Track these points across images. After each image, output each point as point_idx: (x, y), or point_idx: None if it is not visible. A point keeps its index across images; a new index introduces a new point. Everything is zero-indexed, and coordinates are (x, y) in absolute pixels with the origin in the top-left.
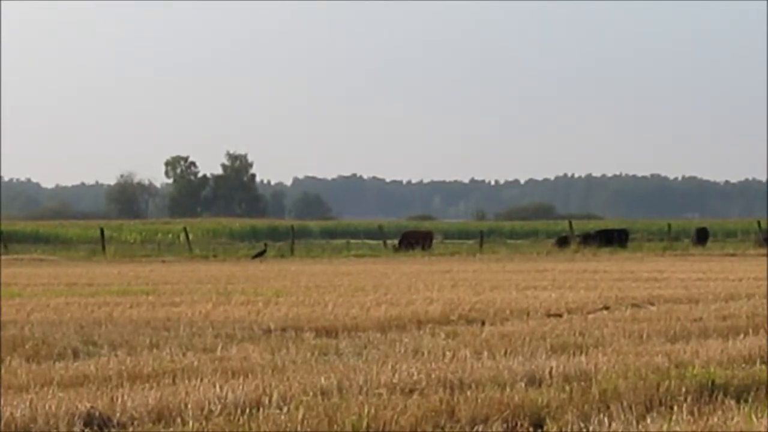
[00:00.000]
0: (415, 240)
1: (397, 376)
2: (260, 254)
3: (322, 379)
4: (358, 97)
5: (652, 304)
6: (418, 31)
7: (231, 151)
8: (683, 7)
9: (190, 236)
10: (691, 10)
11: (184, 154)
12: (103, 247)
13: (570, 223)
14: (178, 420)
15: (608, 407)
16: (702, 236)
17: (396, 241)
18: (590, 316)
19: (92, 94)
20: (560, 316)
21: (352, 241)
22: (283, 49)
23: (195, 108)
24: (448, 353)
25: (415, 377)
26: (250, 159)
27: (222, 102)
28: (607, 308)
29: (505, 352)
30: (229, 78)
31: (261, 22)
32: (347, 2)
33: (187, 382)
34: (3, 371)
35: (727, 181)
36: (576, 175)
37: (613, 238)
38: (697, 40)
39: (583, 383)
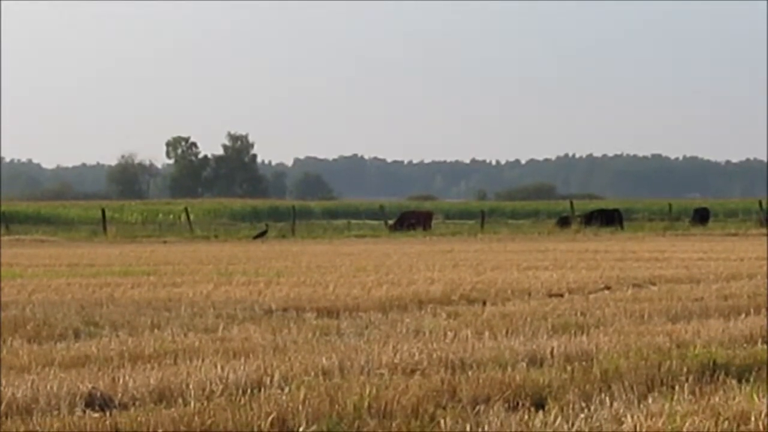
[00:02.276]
0: (414, 220)
1: (398, 356)
2: (261, 235)
3: (324, 360)
4: (359, 78)
5: (654, 284)
6: (419, 11)
7: (232, 132)
8: None
9: (191, 217)
10: None
11: (185, 135)
12: (104, 228)
13: (571, 203)
14: (180, 400)
15: (609, 387)
16: (703, 216)
17: (391, 221)
18: (591, 296)
19: (93, 75)
20: (561, 296)
21: (353, 221)
22: (284, 29)
23: (196, 88)
24: (449, 333)
25: (416, 357)
26: (251, 139)
27: (223, 83)
28: (608, 288)
29: (507, 332)
30: (230, 59)
31: (262, 5)
32: None
33: (188, 362)
34: (5, 352)
35: (728, 161)
36: (577, 155)
37: (613, 218)
38: (697, 19)
39: (584, 363)
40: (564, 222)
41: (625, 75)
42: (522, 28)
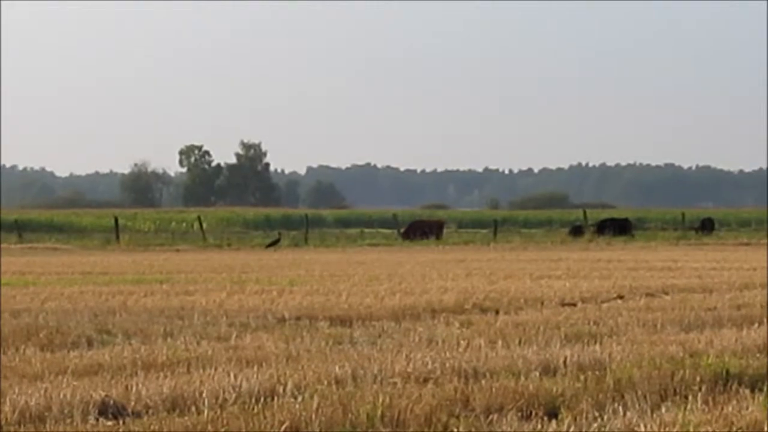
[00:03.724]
0: (425, 229)
1: (411, 365)
2: (274, 243)
3: (337, 368)
4: (372, 86)
5: (666, 294)
6: (431, 17)
7: (245, 140)
8: None
9: (204, 225)
10: None
11: (198, 143)
12: (117, 236)
13: (584, 212)
14: (193, 409)
15: (623, 396)
16: (705, 226)
17: (402, 230)
18: (604, 305)
19: (107, 84)
20: (574, 305)
21: (366, 230)
22: (297, 38)
23: (209, 97)
24: (462, 342)
25: (429, 366)
26: (263, 148)
27: (236, 91)
28: (621, 297)
29: (520, 342)
30: (244, 67)
31: (275, 11)
32: None
33: (201, 371)
34: (17, 360)
35: (741, 170)
36: (590, 164)
37: (624, 228)
38: (710, 29)
39: (597, 372)
40: (577, 231)
41: (638, 84)
42: (536, 36)
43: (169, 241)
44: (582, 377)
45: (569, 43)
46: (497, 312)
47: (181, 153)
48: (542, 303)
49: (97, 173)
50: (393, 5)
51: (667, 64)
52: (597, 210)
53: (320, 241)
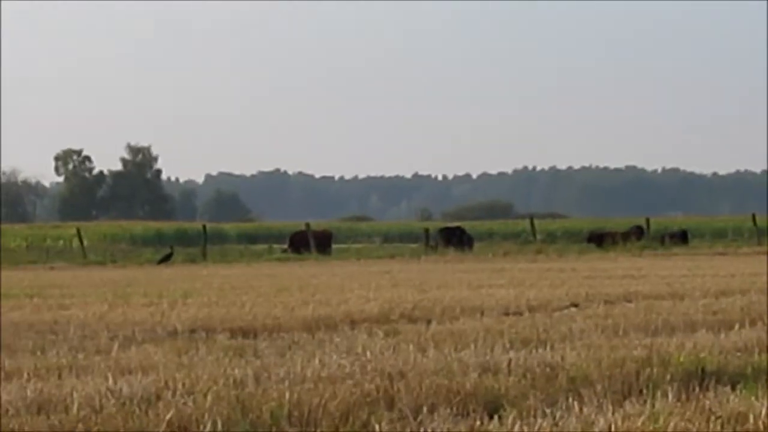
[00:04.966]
0: (306, 242)
1: (325, 369)
2: (166, 259)
3: (236, 371)
4: (280, 82)
5: (629, 301)
6: (346, 9)
7: (132, 143)
8: None
9: (85, 242)
10: None
11: (76, 147)
12: None
13: (531, 222)
14: (63, 412)
15: (579, 394)
16: (678, 239)
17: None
18: (556, 314)
19: None
20: (520, 314)
21: (276, 245)
22: (190, 29)
23: (90, 95)
24: (387, 350)
25: (347, 369)
26: (154, 152)
27: (122, 89)
28: (575, 305)
29: (456, 348)
30: (131, 62)
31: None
32: None
33: (75, 378)
34: None
35: (715, 173)
36: (538, 168)
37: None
38: (680, 20)
39: (548, 370)
40: (598, 240)
41: (591, 76)
42: (471, 27)
43: (42, 259)
44: (529, 376)
45: (512, 32)
46: (429, 322)
47: (57, 159)
48: (482, 312)
49: None
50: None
51: (627, 54)
52: (546, 220)
53: (221, 257)
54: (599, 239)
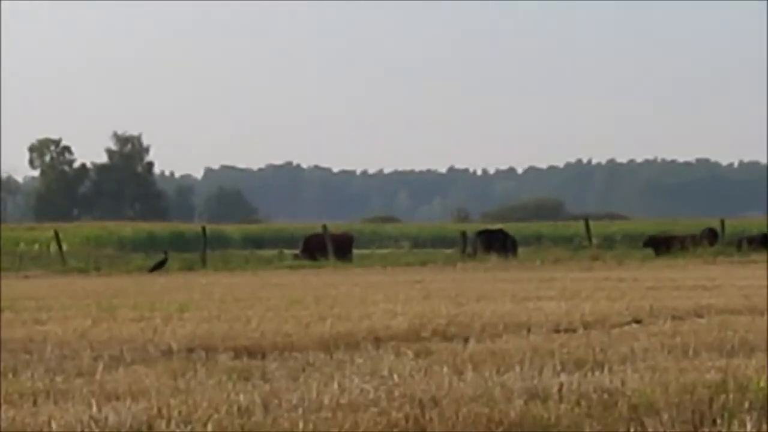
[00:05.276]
0: (322, 246)
1: (345, 395)
2: (159, 266)
3: (241, 396)
4: (291, 60)
5: (701, 316)
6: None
7: (119, 132)
8: None
9: (64, 246)
10: None
11: (54, 137)
12: None
13: (587, 225)
14: None
15: (642, 423)
16: (713, 238)
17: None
18: (615, 331)
19: None
20: (573, 331)
21: (287, 251)
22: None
23: (69, 75)
24: (418, 372)
25: (371, 395)
26: (145, 142)
27: (107, 69)
28: (638, 321)
29: (498, 370)
30: (117, 37)
31: None
32: None
33: (53, 405)
34: None
35: None
36: (594, 161)
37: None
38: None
39: (606, 396)
40: (659, 244)
41: (656, 56)
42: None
43: (15, 266)
44: (584, 403)
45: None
46: (466, 340)
47: (31, 150)
48: (529, 329)
49: None
50: None
51: (694, 31)
52: (604, 222)
53: (223, 264)
54: (662, 244)
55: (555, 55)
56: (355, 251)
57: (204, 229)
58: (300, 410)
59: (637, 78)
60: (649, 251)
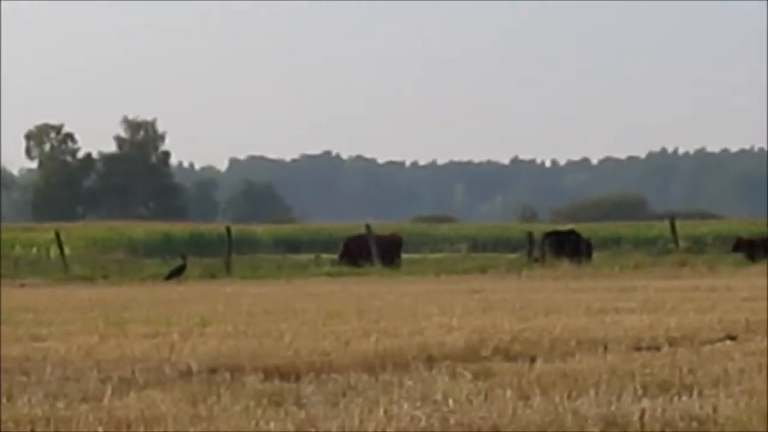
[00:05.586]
0: (365, 250)
1: (393, 423)
2: (177, 273)
3: (272, 425)
4: (330, 42)
5: None
6: None
7: (130, 117)
8: None
9: (66, 249)
10: None
11: (54, 122)
12: None
13: (672, 225)
14: None
15: None
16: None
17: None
18: (705, 349)
19: None
20: (657, 349)
21: (324, 255)
22: None
23: (72, 53)
24: (477, 398)
25: (422, 423)
26: (160, 128)
27: (116, 45)
28: (732, 338)
29: (570, 394)
30: (127, 10)
31: None
32: None
33: None
34: None
35: None
36: (681, 151)
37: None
38: None
39: (695, 424)
40: (749, 249)
41: (755, 27)
42: None
43: (10, 272)
44: None
45: None
46: (533, 359)
47: (29, 138)
48: (605, 347)
49: None
50: None
51: None
52: (693, 222)
53: (251, 271)
54: (757, 247)
55: (636, 28)
56: (403, 256)
57: (228, 229)
58: None
59: (731, 55)
60: (742, 256)
